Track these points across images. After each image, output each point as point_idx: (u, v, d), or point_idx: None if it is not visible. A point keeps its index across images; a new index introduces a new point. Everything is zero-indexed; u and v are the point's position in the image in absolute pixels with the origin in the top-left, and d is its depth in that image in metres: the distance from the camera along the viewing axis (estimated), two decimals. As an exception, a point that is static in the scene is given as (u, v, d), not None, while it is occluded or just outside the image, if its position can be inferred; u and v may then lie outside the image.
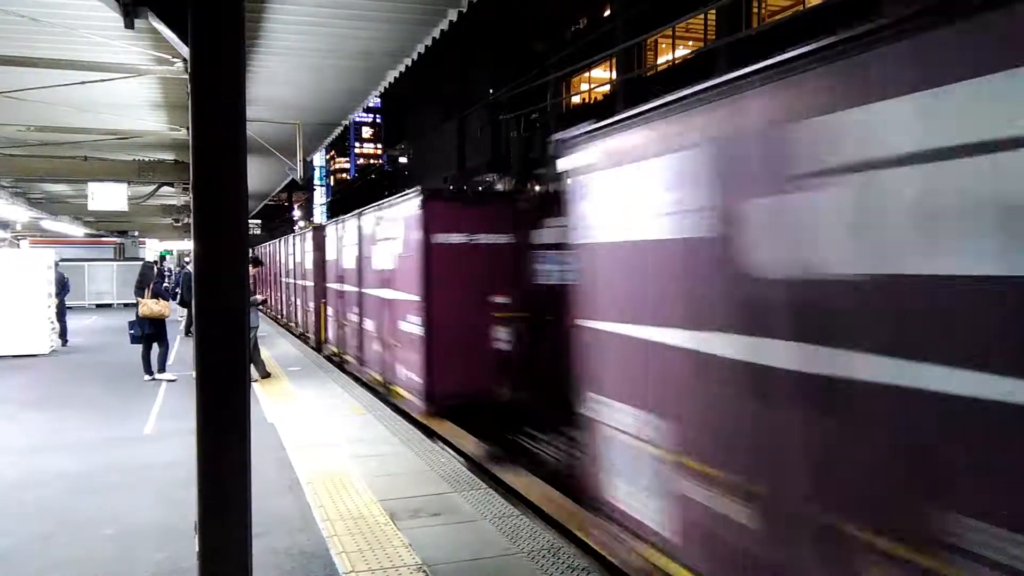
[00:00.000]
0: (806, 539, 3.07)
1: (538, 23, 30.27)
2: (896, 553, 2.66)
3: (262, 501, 4.81)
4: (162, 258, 35.37)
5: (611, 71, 27.61)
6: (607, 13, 27.40)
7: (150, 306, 11.55)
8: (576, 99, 29.95)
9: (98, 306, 29.92)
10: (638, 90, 21.54)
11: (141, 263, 14.31)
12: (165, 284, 13.39)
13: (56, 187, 16.85)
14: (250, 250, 5.94)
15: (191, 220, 3.23)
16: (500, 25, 30.64)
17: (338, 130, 11.81)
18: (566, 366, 5.00)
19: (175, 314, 16.96)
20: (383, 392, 10.56)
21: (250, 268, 8.79)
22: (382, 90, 9.09)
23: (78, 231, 25.84)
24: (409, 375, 9.28)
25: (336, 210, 55.72)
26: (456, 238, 8.70)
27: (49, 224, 22.28)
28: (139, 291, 11.74)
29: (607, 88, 27.07)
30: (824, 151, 2.94)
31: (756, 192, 3.35)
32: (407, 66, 8.06)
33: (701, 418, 3.73)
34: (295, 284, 20.29)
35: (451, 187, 29.94)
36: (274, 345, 16.71)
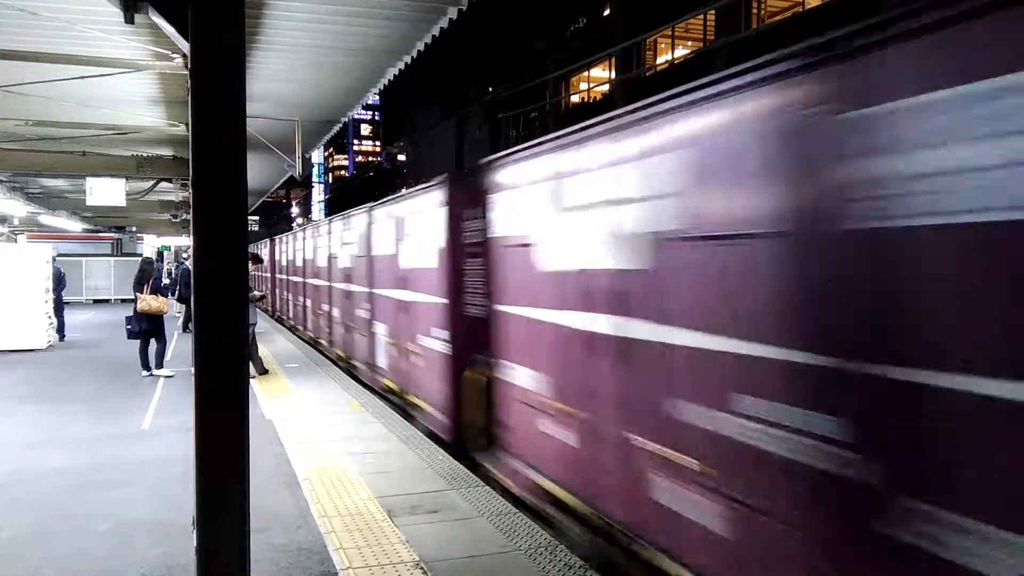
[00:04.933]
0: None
1: (538, 22, 30.26)
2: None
3: (260, 497, 4.82)
4: (160, 255, 35.27)
5: (610, 71, 27.60)
6: (607, 12, 27.39)
7: (149, 302, 11.55)
8: (575, 98, 29.94)
9: (95, 301, 29.92)
10: (637, 90, 21.55)
11: (141, 259, 14.30)
12: (165, 281, 13.39)
13: (54, 182, 16.80)
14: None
15: (190, 216, 3.23)
16: (500, 23, 30.64)
17: (337, 127, 11.78)
18: None
19: (172, 310, 16.94)
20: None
21: (249, 265, 8.81)
22: (381, 87, 9.08)
23: (76, 226, 25.77)
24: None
25: (334, 207, 55.61)
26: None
27: (47, 219, 22.21)
28: (138, 287, 11.74)
29: (606, 87, 27.06)
30: None
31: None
32: (407, 63, 8.06)
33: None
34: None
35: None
36: (272, 341, 16.70)
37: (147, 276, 11.79)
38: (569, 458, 5.29)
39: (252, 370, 11.49)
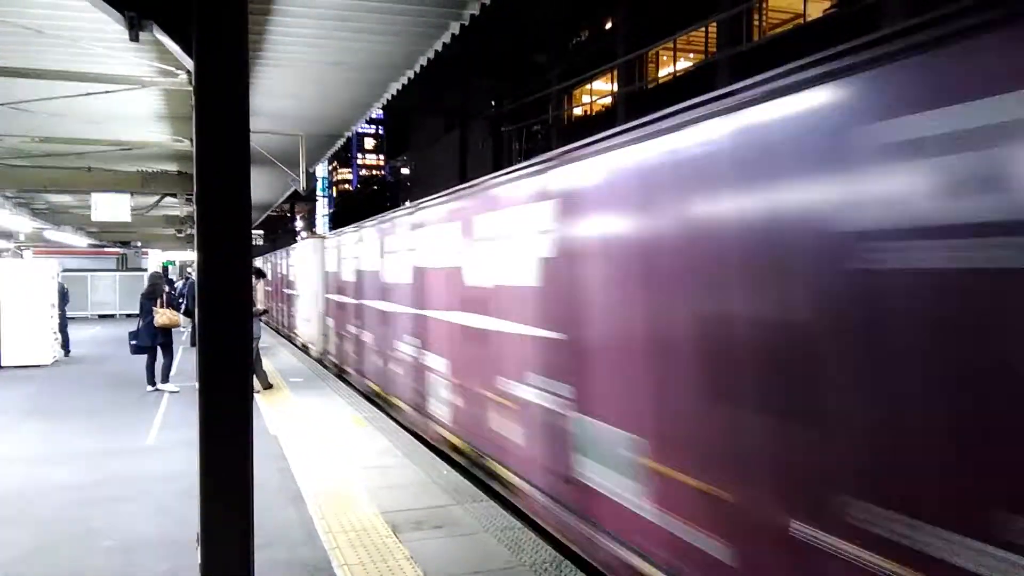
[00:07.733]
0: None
1: (540, 35, 30.40)
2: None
3: (264, 513, 4.80)
4: (165, 269, 35.36)
5: (612, 83, 27.70)
6: (609, 25, 27.51)
7: (167, 315, 11.58)
8: (578, 111, 30.04)
9: (100, 316, 29.97)
10: (640, 102, 21.62)
11: (151, 274, 14.31)
12: (174, 294, 13.44)
13: (59, 197, 16.87)
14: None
15: (195, 231, 3.23)
16: (503, 37, 30.77)
17: (341, 141, 11.83)
18: None
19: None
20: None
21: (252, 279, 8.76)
22: (385, 102, 9.11)
23: (81, 242, 25.86)
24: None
25: (339, 221, 55.79)
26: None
27: (52, 234, 22.30)
28: (152, 301, 11.73)
29: (608, 100, 27.17)
30: None
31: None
32: (410, 78, 8.09)
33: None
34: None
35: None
36: (276, 356, 16.71)
37: (159, 291, 11.82)
38: (349, 354, 13.38)
39: (256, 385, 11.48)
